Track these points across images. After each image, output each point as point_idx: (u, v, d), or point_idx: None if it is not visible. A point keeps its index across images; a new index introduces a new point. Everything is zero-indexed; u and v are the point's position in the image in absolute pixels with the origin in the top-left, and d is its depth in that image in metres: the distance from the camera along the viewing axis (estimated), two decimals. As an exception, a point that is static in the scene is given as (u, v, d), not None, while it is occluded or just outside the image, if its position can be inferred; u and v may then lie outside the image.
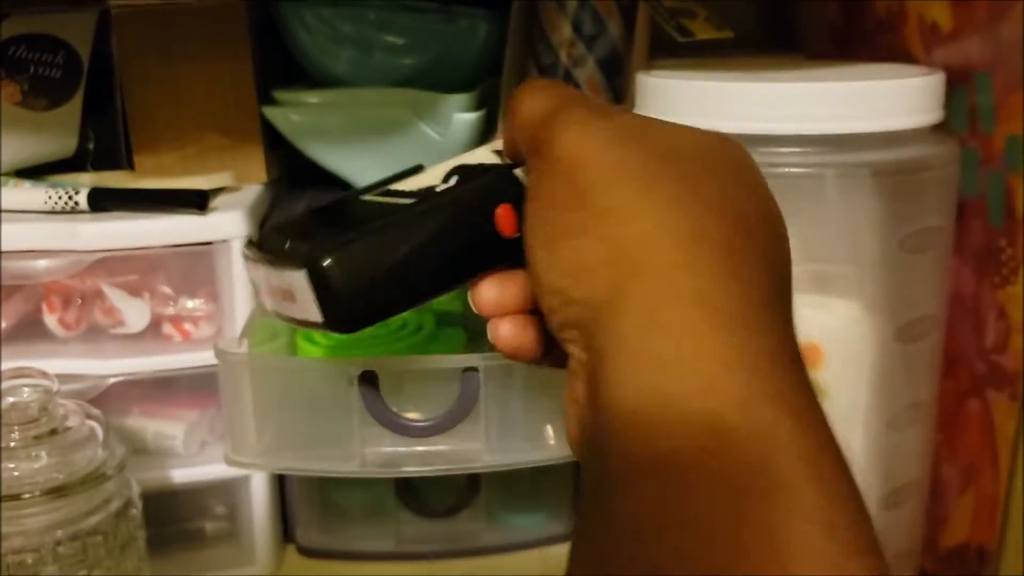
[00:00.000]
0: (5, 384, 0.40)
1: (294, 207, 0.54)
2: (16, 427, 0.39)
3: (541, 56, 0.51)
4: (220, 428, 0.53)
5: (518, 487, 0.55)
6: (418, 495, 0.53)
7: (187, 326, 0.50)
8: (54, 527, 0.39)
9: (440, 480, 0.54)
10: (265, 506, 0.52)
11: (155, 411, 0.51)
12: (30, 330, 0.49)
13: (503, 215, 0.29)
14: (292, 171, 0.60)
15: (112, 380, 0.48)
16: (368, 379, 0.41)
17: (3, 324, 0.49)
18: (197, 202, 0.48)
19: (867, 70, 0.45)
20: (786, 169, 0.39)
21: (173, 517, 0.52)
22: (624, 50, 0.51)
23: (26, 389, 0.40)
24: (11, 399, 0.40)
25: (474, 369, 0.41)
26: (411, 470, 0.44)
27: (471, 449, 0.43)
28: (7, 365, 0.48)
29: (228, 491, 0.52)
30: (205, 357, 0.49)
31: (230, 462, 0.43)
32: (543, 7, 0.51)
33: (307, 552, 0.54)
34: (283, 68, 0.57)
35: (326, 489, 0.55)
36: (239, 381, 0.42)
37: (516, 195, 0.29)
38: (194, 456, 0.51)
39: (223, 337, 0.50)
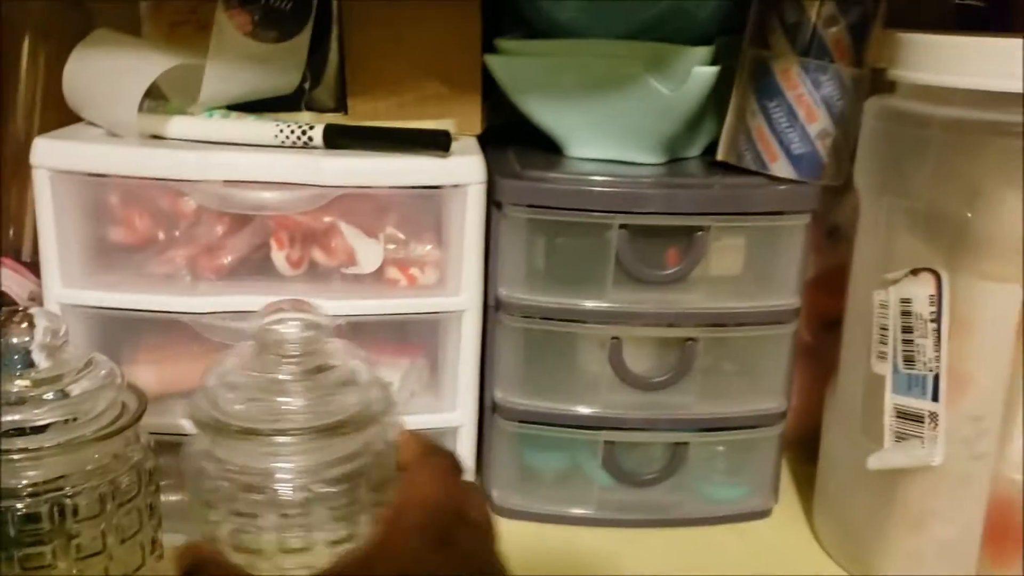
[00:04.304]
0: (278, 316, 0.39)
1: (502, 163, 0.52)
2: (286, 360, 0.38)
3: (787, 13, 0.49)
4: (428, 378, 0.52)
5: (721, 461, 0.54)
6: (622, 463, 0.52)
7: (413, 271, 0.48)
8: (324, 467, 0.38)
9: (644, 449, 0.53)
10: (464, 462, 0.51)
11: (372, 356, 0.50)
12: (254, 266, 0.48)
13: None
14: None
15: (336, 322, 0.47)
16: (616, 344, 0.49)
17: (228, 258, 0.48)
18: (442, 143, 0.46)
19: None
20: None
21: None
22: (872, 15, 0.49)
23: (297, 323, 0.39)
24: (282, 330, 0.38)
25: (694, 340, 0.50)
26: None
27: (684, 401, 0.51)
28: (232, 300, 0.47)
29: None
30: (429, 303, 0.49)
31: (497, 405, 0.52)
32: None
33: (503, 512, 0.53)
34: (494, 16, 0.55)
35: (525, 451, 0.53)
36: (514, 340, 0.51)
37: None
38: (404, 405, 0.50)
39: (446, 285, 0.49)
